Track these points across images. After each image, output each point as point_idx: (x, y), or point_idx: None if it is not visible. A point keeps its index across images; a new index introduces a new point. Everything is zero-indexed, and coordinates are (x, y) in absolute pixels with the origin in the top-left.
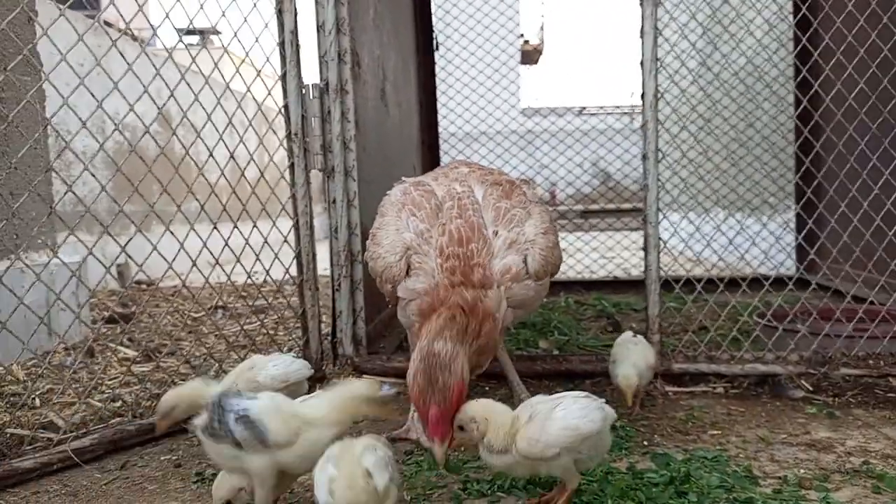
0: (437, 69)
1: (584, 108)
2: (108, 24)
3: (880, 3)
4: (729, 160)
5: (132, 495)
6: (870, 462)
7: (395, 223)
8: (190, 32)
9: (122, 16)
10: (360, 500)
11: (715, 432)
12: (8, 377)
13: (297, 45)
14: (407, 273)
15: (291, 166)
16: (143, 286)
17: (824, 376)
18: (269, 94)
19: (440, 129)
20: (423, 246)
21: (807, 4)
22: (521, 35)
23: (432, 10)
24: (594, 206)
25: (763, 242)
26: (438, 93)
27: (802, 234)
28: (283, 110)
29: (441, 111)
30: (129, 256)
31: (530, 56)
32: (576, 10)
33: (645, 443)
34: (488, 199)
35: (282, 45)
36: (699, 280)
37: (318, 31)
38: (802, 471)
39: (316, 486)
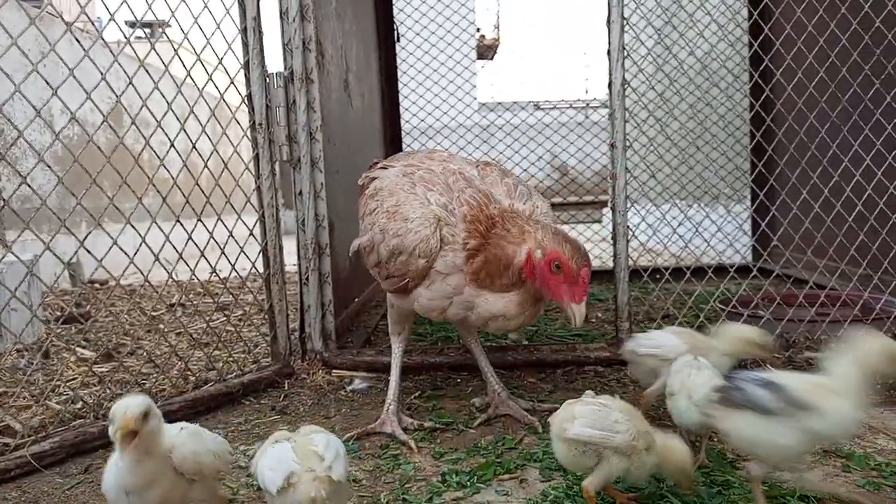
0: (399, 62)
1: (542, 102)
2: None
3: None
4: (690, 149)
5: (97, 500)
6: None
7: (415, 199)
8: (142, 25)
9: (78, 3)
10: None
11: None
12: None
13: (261, 32)
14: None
15: (256, 157)
16: (97, 285)
17: (789, 360)
18: (232, 82)
19: (402, 123)
20: (451, 218)
21: None
22: (478, 30)
23: (393, 2)
24: (555, 200)
25: (724, 232)
26: (400, 86)
27: (764, 223)
28: (246, 100)
29: (403, 104)
30: (89, 251)
31: (487, 50)
32: (532, 4)
33: None
34: (490, 176)
35: (244, 31)
36: (666, 269)
37: (281, 18)
38: None
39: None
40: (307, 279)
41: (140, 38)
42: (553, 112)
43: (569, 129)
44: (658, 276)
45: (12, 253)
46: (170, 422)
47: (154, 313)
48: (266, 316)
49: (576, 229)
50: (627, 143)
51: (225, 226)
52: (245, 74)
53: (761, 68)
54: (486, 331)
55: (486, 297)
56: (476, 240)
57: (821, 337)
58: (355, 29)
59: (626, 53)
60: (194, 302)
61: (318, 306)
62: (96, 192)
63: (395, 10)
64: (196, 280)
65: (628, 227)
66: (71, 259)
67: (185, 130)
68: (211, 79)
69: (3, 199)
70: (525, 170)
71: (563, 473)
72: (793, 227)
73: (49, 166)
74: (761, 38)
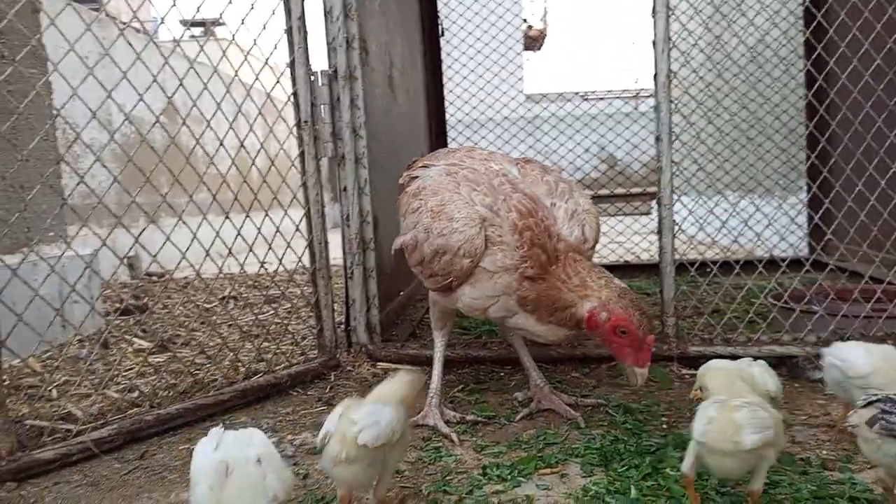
0: (443, 56)
1: (589, 93)
2: (110, 17)
3: None
4: (740, 141)
5: (152, 484)
6: None
7: (459, 198)
8: (193, 24)
9: (129, 5)
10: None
11: None
12: (25, 370)
13: (305, 32)
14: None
15: (302, 154)
16: (154, 278)
17: None
18: (278, 81)
19: (447, 116)
20: (496, 218)
21: None
22: (525, 20)
23: None
24: (602, 192)
25: (776, 224)
26: (445, 79)
27: (818, 215)
28: (292, 98)
29: (448, 98)
30: (143, 247)
31: (533, 42)
32: None
33: (664, 426)
34: (532, 175)
35: (289, 31)
36: (714, 263)
37: (325, 16)
38: (825, 452)
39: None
40: (352, 273)
41: (193, 37)
42: (600, 103)
43: (616, 120)
44: (708, 270)
45: (72, 249)
46: (224, 411)
47: (207, 306)
48: (312, 309)
49: (623, 222)
50: (674, 135)
51: (272, 221)
52: (291, 73)
53: (814, 56)
54: None
55: (530, 318)
56: (535, 270)
57: (877, 333)
58: (399, 25)
59: (672, 44)
60: (245, 295)
61: (362, 300)
62: (152, 188)
63: (440, 4)
64: (245, 274)
65: (674, 220)
66: (128, 253)
67: (233, 129)
68: (258, 78)
69: (63, 198)
70: (571, 162)
71: (604, 469)
72: (848, 220)
73: (104, 165)
74: (814, 24)
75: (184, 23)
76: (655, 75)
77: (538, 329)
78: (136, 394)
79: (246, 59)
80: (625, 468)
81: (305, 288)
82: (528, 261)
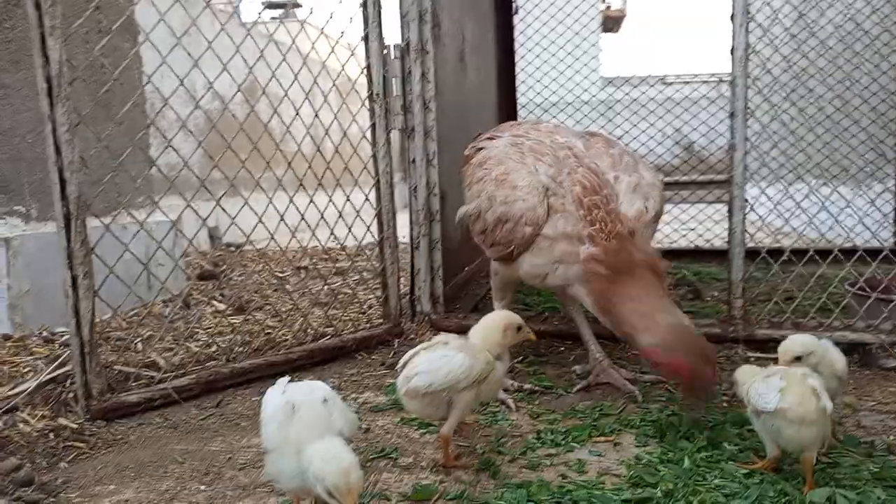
0: (516, 35)
1: (668, 76)
2: None
3: None
4: (824, 125)
5: (227, 430)
6: None
7: (524, 168)
8: (274, 6)
9: None
10: None
11: None
12: (112, 323)
13: (379, 6)
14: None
15: (373, 126)
16: (233, 248)
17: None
18: (353, 54)
19: (518, 96)
20: (559, 188)
21: None
22: (603, 1)
23: None
24: (679, 178)
25: (860, 212)
26: (517, 58)
27: None
28: (365, 71)
29: (520, 77)
30: (226, 211)
31: (612, 23)
32: None
33: (724, 403)
34: (596, 147)
35: (364, 5)
36: (794, 250)
37: None
38: (892, 437)
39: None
40: (418, 244)
41: (274, 18)
42: (685, 88)
43: (695, 103)
44: (787, 259)
45: (161, 210)
46: (293, 370)
47: (280, 274)
48: (379, 277)
49: (700, 208)
50: (750, 114)
51: (344, 192)
52: (364, 46)
53: None
54: None
55: (589, 298)
56: (599, 233)
57: None
58: (472, 3)
59: (750, 17)
60: (318, 266)
61: (427, 270)
62: (232, 161)
63: None
64: (318, 243)
65: (746, 200)
66: (206, 219)
67: (309, 100)
68: (333, 51)
69: (153, 163)
70: (651, 149)
71: (658, 440)
72: None
73: (191, 133)
74: None
75: (267, 5)
76: (733, 49)
77: (594, 309)
78: (214, 349)
79: (322, 33)
80: (680, 440)
81: (375, 262)
82: (599, 243)
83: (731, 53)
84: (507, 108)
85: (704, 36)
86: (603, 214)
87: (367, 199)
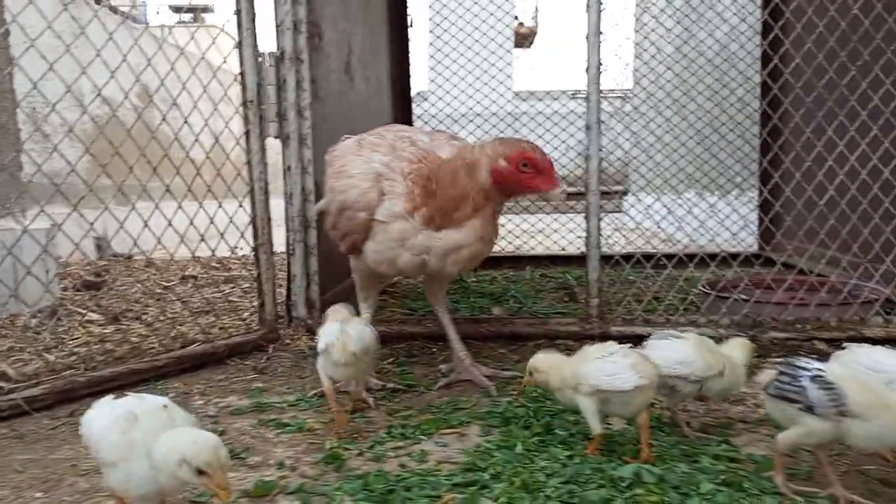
0: (431, 50)
1: (576, 91)
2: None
3: None
4: (697, 140)
5: (76, 438)
6: None
7: (359, 158)
8: (179, 10)
9: None
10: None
11: None
12: None
13: (253, 14)
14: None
15: (247, 133)
16: (120, 258)
17: (753, 339)
18: (225, 61)
19: (430, 109)
20: (391, 174)
21: None
22: (516, 17)
23: None
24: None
25: (728, 221)
26: (433, 74)
27: (770, 216)
28: (239, 78)
29: (431, 88)
30: (115, 217)
31: (524, 39)
32: None
33: None
34: (438, 139)
35: (238, 13)
36: (650, 256)
37: (274, 0)
38: (708, 418)
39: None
40: (293, 250)
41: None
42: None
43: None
44: (660, 263)
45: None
46: (158, 378)
47: (165, 284)
48: (256, 284)
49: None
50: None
51: (216, 198)
52: (238, 53)
53: (770, 67)
54: (449, 276)
55: (443, 234)
56: (420, 187)
57: (787, 318)
58: (361, 14)
59: (603, 37)
60: (203, 275)
61: (303, 276)
62: (120, 168)
63: None
64: (189, 252)
65: (601, 206)
66: (89, 231)
67: (198, 109)
68: (204, 57)
69: (38, 167)
70: (556, 160)
71: (502, 430)
72: (796, 218)
73: (81, 141)
74: (771, 36)
75: (175, 9)
76: (587, 67)
77: (456, 238)
78: (73, 357)
79: (193, 38)
80: (520, 429)
81: (251, 267)
82: (414, 186)
83: (586, 71)
84: (403, 119)
85: (610, 53)
86: (421, 174)
87: (240, 206)
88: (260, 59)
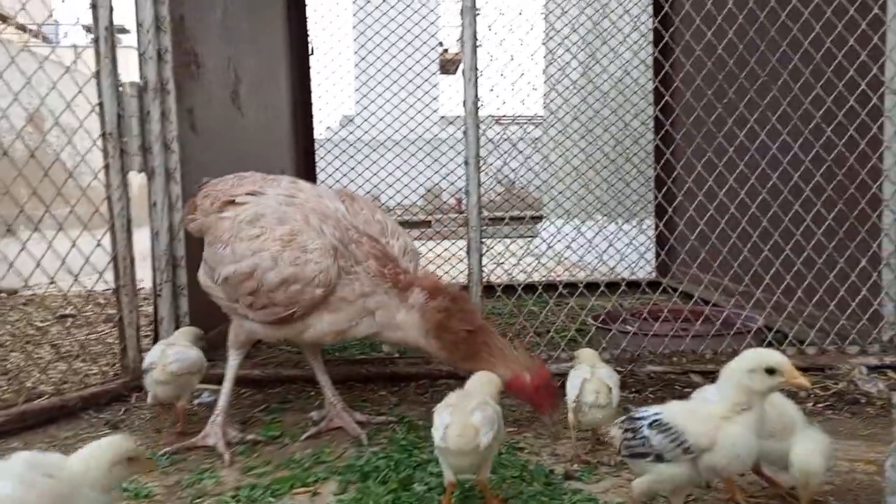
0: (357, 72)
1: (501, 116)
2: None
3: (737, 33)
4: (597, 170)
5: None
6: None
7: (311, 230)
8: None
9: None
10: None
11: (510, 429)
12: None
13: (114, 42)
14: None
15: (106, 167)
16: (3, 294)
17: (631, 373)
18: (80, 91)
19: (356, 132)
20: (346, 252)
21: (669, 32)
22: (441, 43)
23: (308, 17)
24: (498, 213)
25: (628, 249)
26: (358, 95)
27: (667, 247)
28: (97, 109)
29: (363, 114)
30: None
31: (450, 64)
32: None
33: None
34: (362, 214)
35: (96, 41)
36: (533, 286)
37: (137, 28)
38: (574, 465)
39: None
40: (161, 291)
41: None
42: (507, 126)
43: (513, 145)
44: (567, 293)
45: None
46: None
47: (40, 324)
48: (117, 328)
49: (516, 242)
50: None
51: (69, 237)
52: (97, 83)
53: (661, 103)
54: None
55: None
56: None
57: (664, 352)
58: (251, 41)
59: (478, 73)
60: (88, 312)
61: (171, 319)
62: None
63: (311, 24)
64: (42, 292)
65: (482, 241)
66: None
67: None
68: (56, 86)
69: None
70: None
71: (358, 486)
72: (689, 249)
73: None
74: (662, 73)
75: (88, 28)
76: (464, 102)
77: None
78: None
79: (41, 67)
80: (377, 484)
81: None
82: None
83: (463, 105)
84: (305, 146)
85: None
86: (403, 276)
87: (98, 244)
88: (121, 89)
